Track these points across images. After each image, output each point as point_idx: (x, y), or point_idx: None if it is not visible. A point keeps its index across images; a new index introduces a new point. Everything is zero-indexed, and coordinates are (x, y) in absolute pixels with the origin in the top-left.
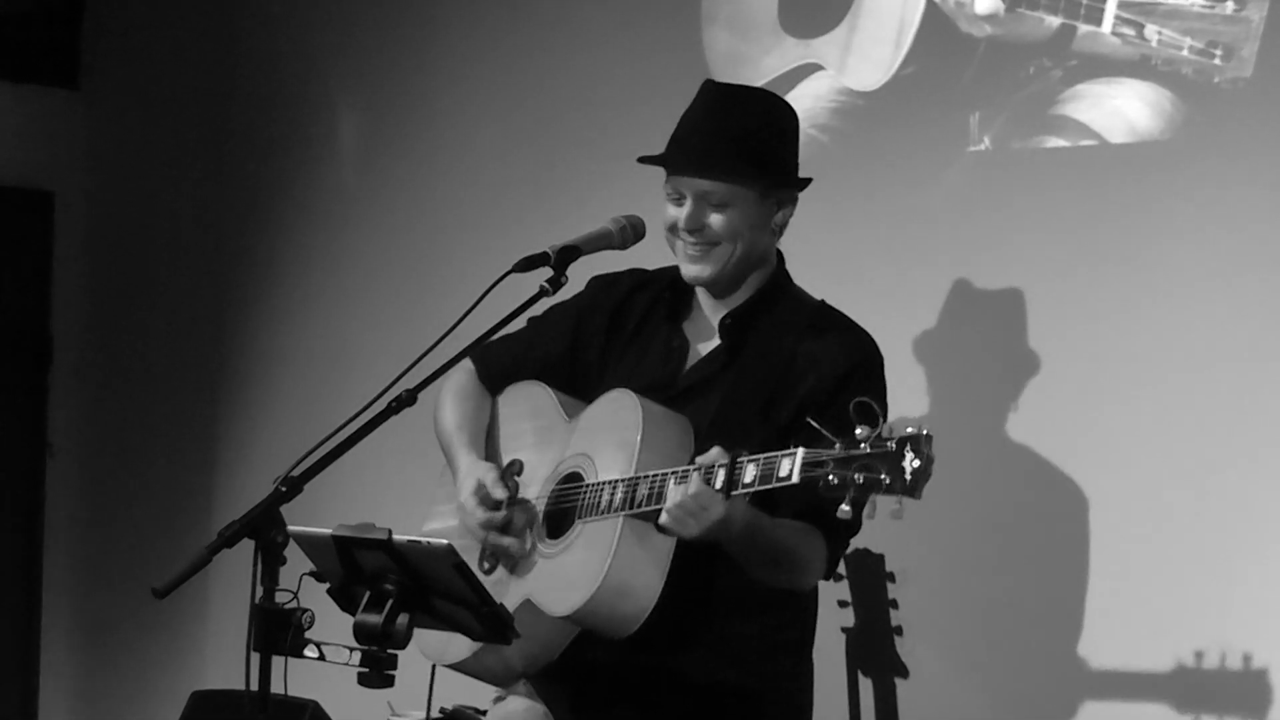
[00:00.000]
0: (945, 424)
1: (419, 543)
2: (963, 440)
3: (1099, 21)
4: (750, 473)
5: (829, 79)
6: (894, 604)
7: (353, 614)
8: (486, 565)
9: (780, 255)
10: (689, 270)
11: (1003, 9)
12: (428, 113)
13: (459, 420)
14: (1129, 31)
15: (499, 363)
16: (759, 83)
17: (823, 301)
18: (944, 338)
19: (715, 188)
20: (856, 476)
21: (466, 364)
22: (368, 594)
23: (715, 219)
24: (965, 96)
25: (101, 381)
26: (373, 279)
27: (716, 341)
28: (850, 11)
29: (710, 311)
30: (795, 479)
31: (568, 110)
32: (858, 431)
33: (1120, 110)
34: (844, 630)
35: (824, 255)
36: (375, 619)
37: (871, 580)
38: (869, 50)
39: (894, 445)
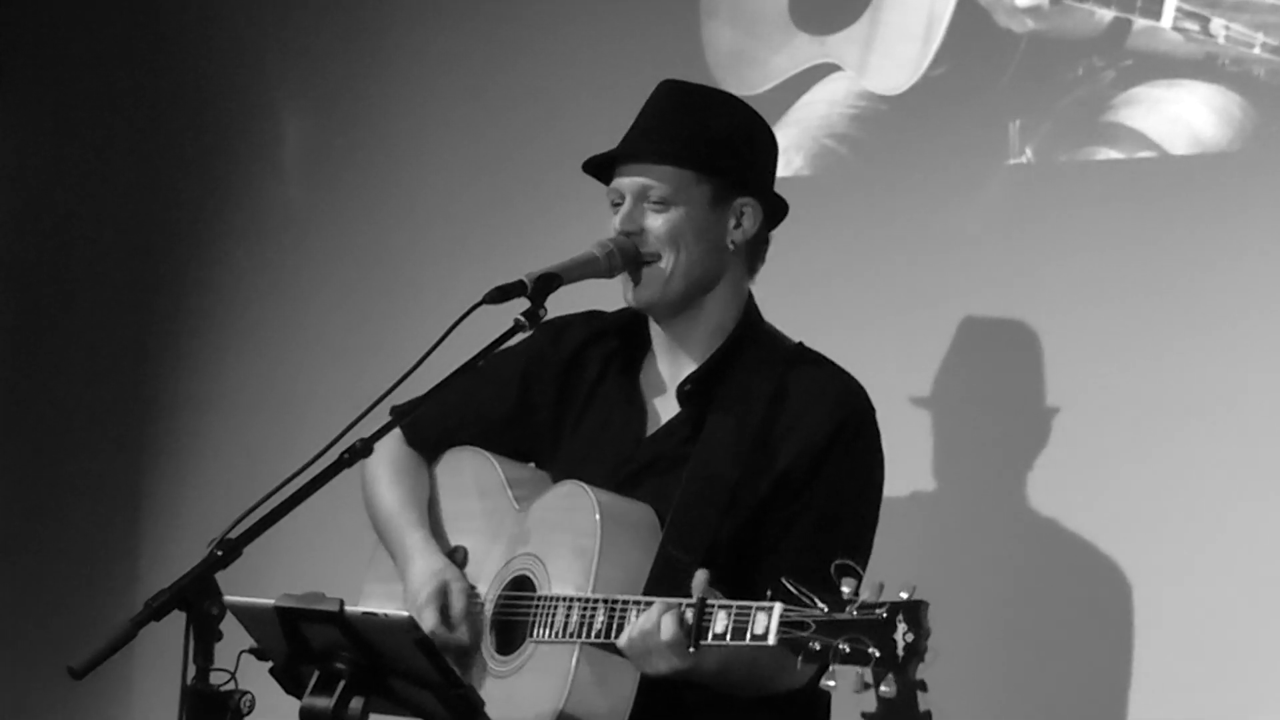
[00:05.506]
0: (982, 482)
1: (375, 615)
2: (1000, 499)
3: (1158, 15)
4: (721, 622)
5: (847, 81)
6: (922, 685)
7: (299, 697)
8: None
9: (751, 295)
10: (627, 294)
11: (1047, 1)
12: (385, 118)
13: (401, 498)
14: (1192, 27)
15: (432, 425)
16: (767, 85)
17: (800, 345)
18: (980, 378)
19: (654, 177)
20: (842, 646)
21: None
22: (317, 674)
23: (655, 221)
24: (1004, 101)
25: (8, 430)
26: (322, 311)
27: (677, 406)
28: (872, 4)
29: (669, 360)
30: (771, 640)
31: (548, 118)
32: (844, 590)
33: (1182, 117)
34: (865, 716)
35: (841, 284)
36: (325, 702)
37: None
38: (893, 48)
39: (884, 613)
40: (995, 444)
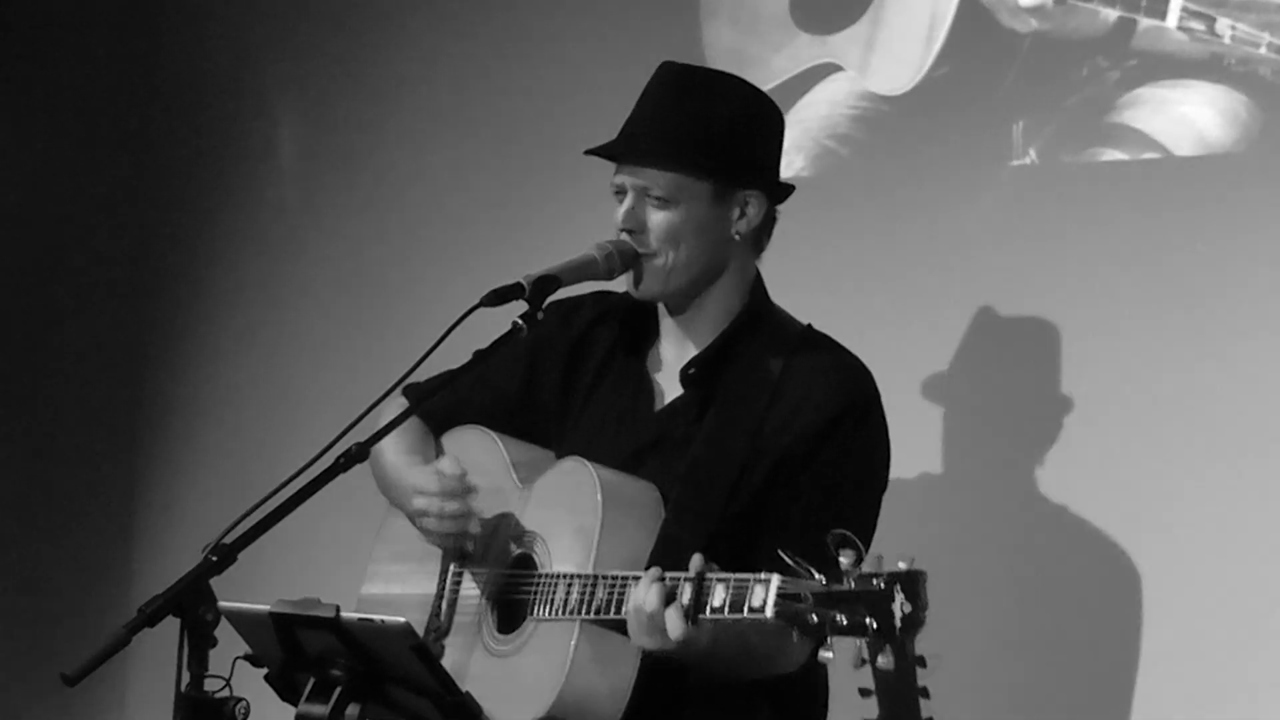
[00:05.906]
0: (985, 484)
1: (371, 621)
2: (1002, 502)
3: (1163, 15)
4: (719, 595)
5: (849, 81)
6: (925, 693)
7: (295, 704)
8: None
9: (758, 275)
10: (630, 290)
11: (1051, 0)
12: (382, 120)
13: (406, 449)
14: (1198, 26)
15: (439, 399)
16: (768, 86)
17: (808, 327)
18: (982, 381)
19: (654, 179)
20: (839, 618)
21: (400, 400)
22: (312, 680)
23: (655, 218)
24: (1007, 102)
25: (2, 435)
26: (319, 314)
27: (681, 389)
28: (874, 4)
29: (674, 342)
30: (769, 613)
31: (545, 119)
32: (841, 561)
33: (1188, 118)
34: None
35: (842, 287)
36: (321, 710)
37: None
38: (895, 48)
39: (881, 584)
40: (998, 446)
